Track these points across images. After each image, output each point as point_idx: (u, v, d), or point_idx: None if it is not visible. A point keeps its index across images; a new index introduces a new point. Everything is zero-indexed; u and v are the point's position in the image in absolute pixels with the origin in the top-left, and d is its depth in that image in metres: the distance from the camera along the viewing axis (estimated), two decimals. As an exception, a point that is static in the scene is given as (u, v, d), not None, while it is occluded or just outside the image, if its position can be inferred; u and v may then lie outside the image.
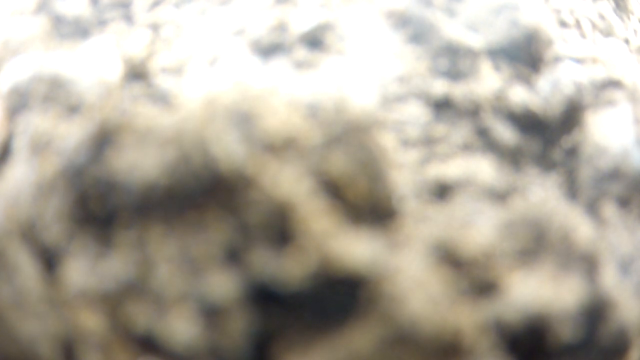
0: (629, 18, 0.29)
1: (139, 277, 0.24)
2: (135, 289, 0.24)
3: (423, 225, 0.24)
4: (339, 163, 0.24)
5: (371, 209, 0.24)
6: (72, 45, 0.26)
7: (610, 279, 0.25)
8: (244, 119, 0.24)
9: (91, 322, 0.24)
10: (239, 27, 0.26)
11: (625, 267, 0.25)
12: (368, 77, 0.25)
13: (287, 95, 0.24)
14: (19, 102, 0.26)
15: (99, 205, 0.24)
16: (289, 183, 0.24)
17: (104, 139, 0.25)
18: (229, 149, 0.24)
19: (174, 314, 0.24)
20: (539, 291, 0.24)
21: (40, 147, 0.25)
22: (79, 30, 0.27)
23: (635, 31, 0.28)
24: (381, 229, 0.24)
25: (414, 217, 0.24)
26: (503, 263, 0.24)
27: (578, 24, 0.27)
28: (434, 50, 0.25)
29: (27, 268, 0.25)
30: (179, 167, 0.24)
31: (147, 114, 0.25)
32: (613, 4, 0.28)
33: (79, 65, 0.26)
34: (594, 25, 0.27)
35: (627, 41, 0.28)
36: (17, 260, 0.25)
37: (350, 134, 0.24)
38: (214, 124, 0.24)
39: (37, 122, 0.25)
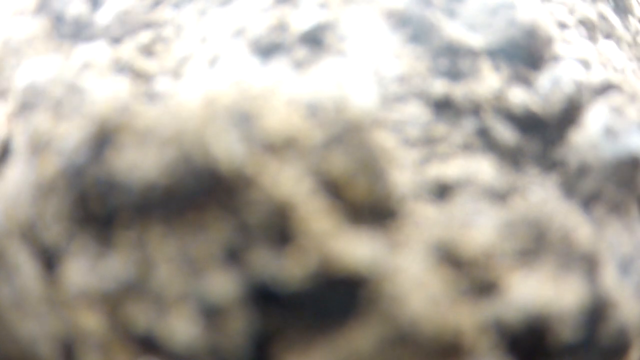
0: (628, 18, 0.29)
1: (139, 277, 0.24)
2: (135, 289, 0.24)
3: (423, 225, 0.24)
4: (339, 163, 0.24)
5: (371, 209, 0.24)
6: (72, 46, 0.26)
7: (610, 279, 0.25)
8: (244, 119, 0.24)
9: (91, 322, 0.24)
10: (239, 27, 0.26)
11: (625, 267, 0.25)
12: (368, 76, 0.25)
13: (287, 94, 0.24)
14: (19, 102, 0.26)
15: (99, 205, 0.24)
16: (289, 183, 0.24)
17: (104, 139, 0.25)
18: (229, 149, 0.24)
19: (174, 314, 0.24)
20: (539, 291, 0.24)
21: (40, 147, 0.25)
22: (78, 30, 0.27)
23: (635, 31, 0.28)
24: (381, 229, 0.24)
25: (414, 217, 0.24)
26: (503, 263, 0.24)
27: (578, 24, 0.27)
28: (434, 50, 0.25)
29: (27, 268, 0.25)
30: (179, 167, 0.24)
31: (147, 114, 0.24)
32: (613, 4, 0.28)
33: (78, 65, 0.26)
34: (594, 25, 0.27)
35: (627, 41, 0.28)
36: (17, 260, 0.25)
37: (350, 133, 0.24)
38: (214, 123, 0.24)
39: (37, 122, 0.25)
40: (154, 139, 0.24)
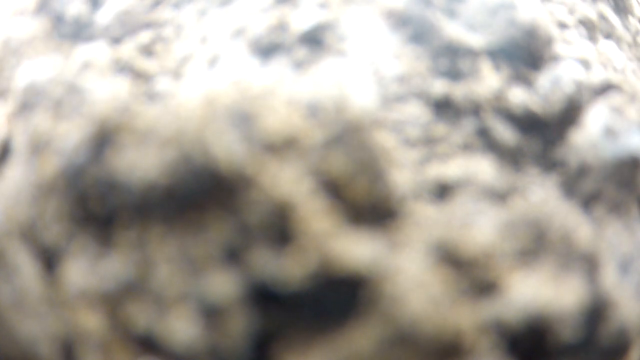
0: (628, 18, 0.29)
1: (139, 277, 0.24)
2: (135, 289, 0.24)
3: (423, 225, 0.24)
4: (339, 163, 0.24)
5: (371, 208, 0.24)
6: (72, 46, 0.26)
7: (610, 279, 0.25)
8: (243, 119, 0.24)
9: (91, 322, 0.24)
10: (239, 27, 0.26)
11: (625, 267, 0.25)
12: (368, 76, 0.25)
13: (287, 94, 0.24)
14: (19, 102, 0.26)
15: (99, 205, 0.24)
16: (289, 183, 0.24)
17: (104, 139, 0.25)
18: (229, 149, 0.24)
19: (174, 314, 0.24)
20: (539, 291, 0.24)
21: (40, 147, 0.25)
22: (78, 30, 0.27)
23: (635, 31, 0.28)
24: (381, 229, 0.24)
25: (414, 217, 0.24)
26: (503, 263, 0.24)
27: (578, 24, 0.27)
28: (433, 50, 0.25)
29: (27, 268, 0.25)
30: (179, 167, 0.24)
31: (147, 114, 0.24)
32: (613, 4, 0.28)
33: (78, 65, 0.26)
34: (594, 25, 0.27)
35: (627, 41, 0.28)
36: (17, 260, 0.25)
37: (350, 133, 0.24)
38: (214, 123, 0.24)
39: (36, 122, 0.25)
40: (154, 139, 0.24)
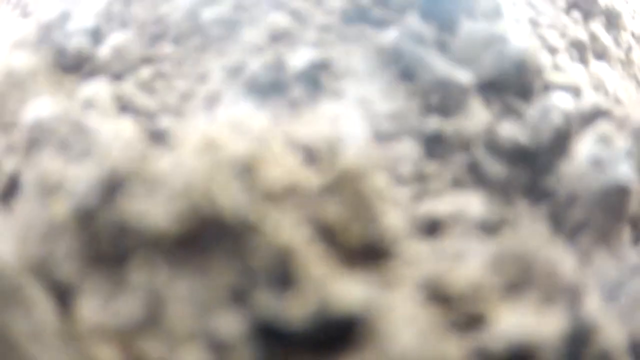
0: (621, 34, 0.29)
1: (151, 316, 0.26)
2: (147, 326, 0.26)
3: (414, 262, 0.25)
4: (334, 210, 0.25)
5: (365, 251, 0.25)
6: (75, 82, 0.27)
7: (594, 306, 0.26)
8: (245, 169, 0.25)
9: (105, 356, 0.26)
10: (237, 64, 0.26)
11: (611, 292, 0.27)
12: (361, 116, 0.26)
13: (284, 136, 0.25)
14: (25, 139, 0.27)
15: (111, 246, 0.26)
16: (289, 230, 0.25)
17: (114, 185, 0.26)
18: (234, 199, 0.25)
19: (185, 349, 0.25)
20: (523, 322, 0.26)
21: (50, 187, 0.26)
22: (80, 64, 0.27)
23: (627, 48, 0.29)
24: (375, 269, 0.25)
25: (405, 255, 0.25)
26: (491, 296, 0.26)
27: (569, 47, 0.28)
28: (424, 87, 0.26)
29: (42, 303, 0.26)
30: (188, 217, 0.25)
31: (156, 165, 0.25)
32: (605, 21, 0.28)
33: (81, 103, 0.27)
34: (585, 47, 0.28)
35: (619, 59, 0.28)
36: (33, 294, 0.27)
37: (344, 181, 0.25)
38: (218, 176, 0.25)
39: (45, 161, 0.26)
40: (164, 191, 0.25)
